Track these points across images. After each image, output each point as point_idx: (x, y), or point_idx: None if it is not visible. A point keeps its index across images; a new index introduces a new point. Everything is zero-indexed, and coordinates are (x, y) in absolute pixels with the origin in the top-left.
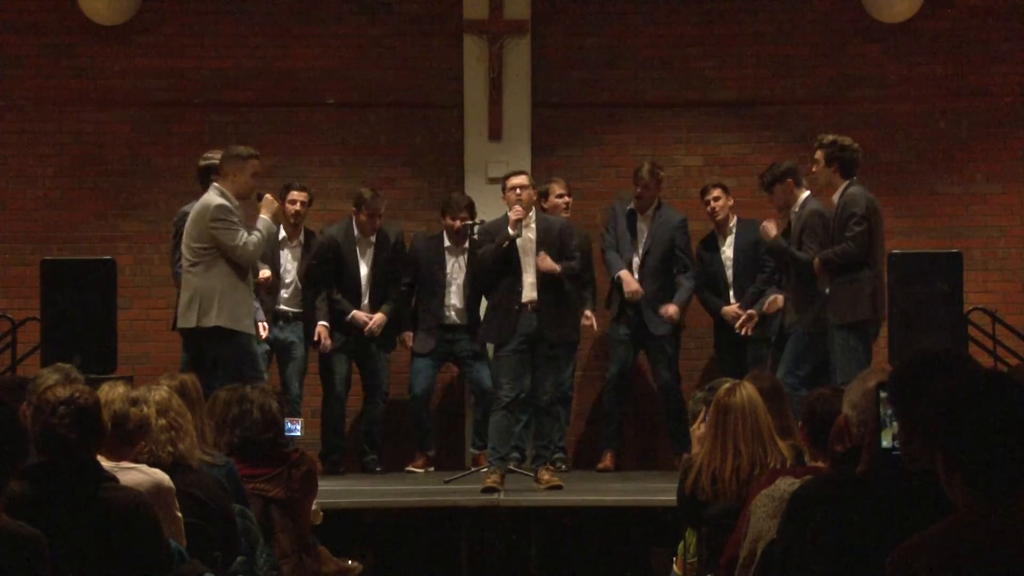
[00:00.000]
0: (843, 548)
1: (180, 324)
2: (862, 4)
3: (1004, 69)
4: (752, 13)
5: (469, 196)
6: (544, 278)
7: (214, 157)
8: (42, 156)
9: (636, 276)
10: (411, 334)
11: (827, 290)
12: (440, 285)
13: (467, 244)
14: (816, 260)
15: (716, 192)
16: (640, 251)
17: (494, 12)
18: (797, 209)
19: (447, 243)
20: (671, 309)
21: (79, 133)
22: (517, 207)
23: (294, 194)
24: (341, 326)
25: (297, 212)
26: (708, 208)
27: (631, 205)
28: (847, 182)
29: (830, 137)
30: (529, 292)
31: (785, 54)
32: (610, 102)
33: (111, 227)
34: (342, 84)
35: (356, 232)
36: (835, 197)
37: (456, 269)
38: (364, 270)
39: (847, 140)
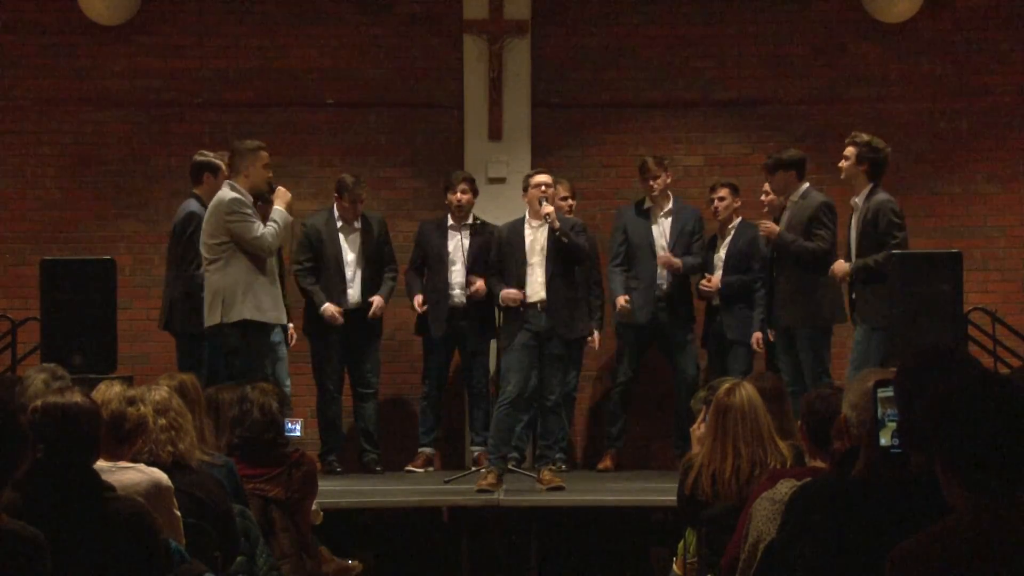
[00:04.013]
0: (843, 548)
1: (205, 323)
2: (862, 4)
3: (1004, 69)
4: (752, 13)
5: (469, 172)
6: (555, 276)
7: (208, 154)
8: (42, 156)
9: (662, 279)
10: (420, 298)
11: (854, 295)
12: (443, 264)
13: (469, 221)
14: (849, 266)
15: (723, 192)
16: (665, 251)
17: (494, 12)
18: (796, 199)
19: (450, 221)
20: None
21: (79, 133)
22: (546, 204)
23: None
24: (318, 318)
25: None
26: (712, 207)
27: (646, 204)
28: (872, 185)
29: (866, 137)
30: (538, 291)
31: (785, 54)
32: (610, 102)
33: (111, 227)
34: (342, 84)
35: (339, 219)
36: (858, 199)
37: (459, 247)
38: (350, 256)
39: (881, 143)
